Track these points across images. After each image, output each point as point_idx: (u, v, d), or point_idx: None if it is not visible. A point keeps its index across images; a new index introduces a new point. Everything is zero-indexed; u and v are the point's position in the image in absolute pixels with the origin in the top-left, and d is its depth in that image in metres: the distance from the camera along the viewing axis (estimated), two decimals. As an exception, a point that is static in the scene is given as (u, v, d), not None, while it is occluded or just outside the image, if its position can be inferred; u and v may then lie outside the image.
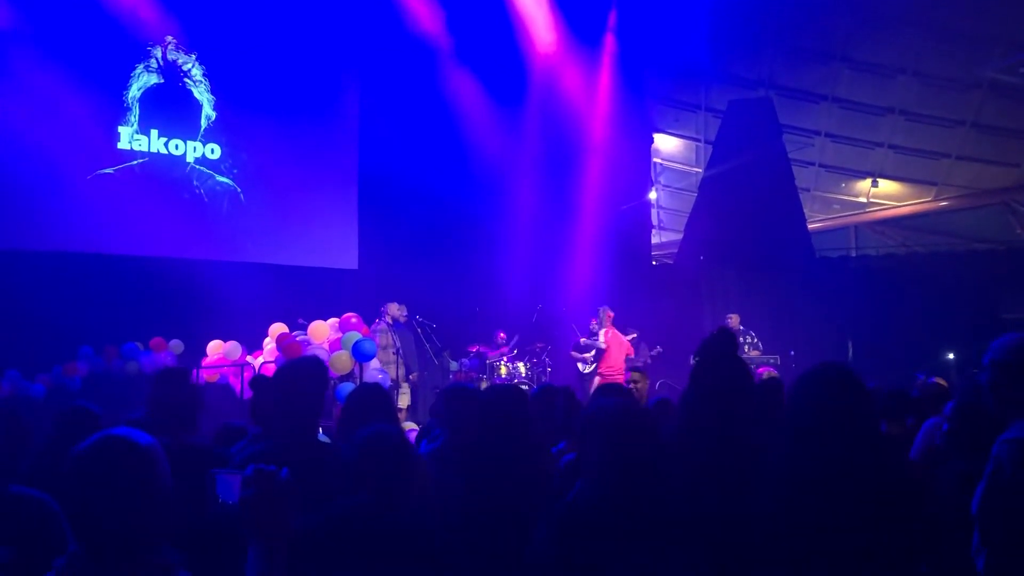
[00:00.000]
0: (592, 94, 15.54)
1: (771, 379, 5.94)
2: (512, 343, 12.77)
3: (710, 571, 2.32)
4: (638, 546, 2.30)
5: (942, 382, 5.77)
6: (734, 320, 12.51)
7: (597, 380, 11.28)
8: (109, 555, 1.79)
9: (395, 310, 10.74)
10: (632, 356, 12.29)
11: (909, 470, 2.77)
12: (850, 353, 12.93)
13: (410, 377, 10.66)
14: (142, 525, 1.82)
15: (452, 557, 2.54)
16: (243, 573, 1.90)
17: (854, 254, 19.23)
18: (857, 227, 21.34)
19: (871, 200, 20.44)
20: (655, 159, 20.11)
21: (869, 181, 19.67)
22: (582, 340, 12.51)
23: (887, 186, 19.86)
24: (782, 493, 2.23)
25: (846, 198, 20.77)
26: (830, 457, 2.17)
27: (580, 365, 12.54)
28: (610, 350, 11.81)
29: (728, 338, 3.16)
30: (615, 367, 11.50)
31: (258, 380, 5.13)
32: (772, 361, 11.95)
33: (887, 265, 15.94)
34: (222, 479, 1.97)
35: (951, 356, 13.14)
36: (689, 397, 3.17)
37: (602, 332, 12.02)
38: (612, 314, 12.05)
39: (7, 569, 1.22)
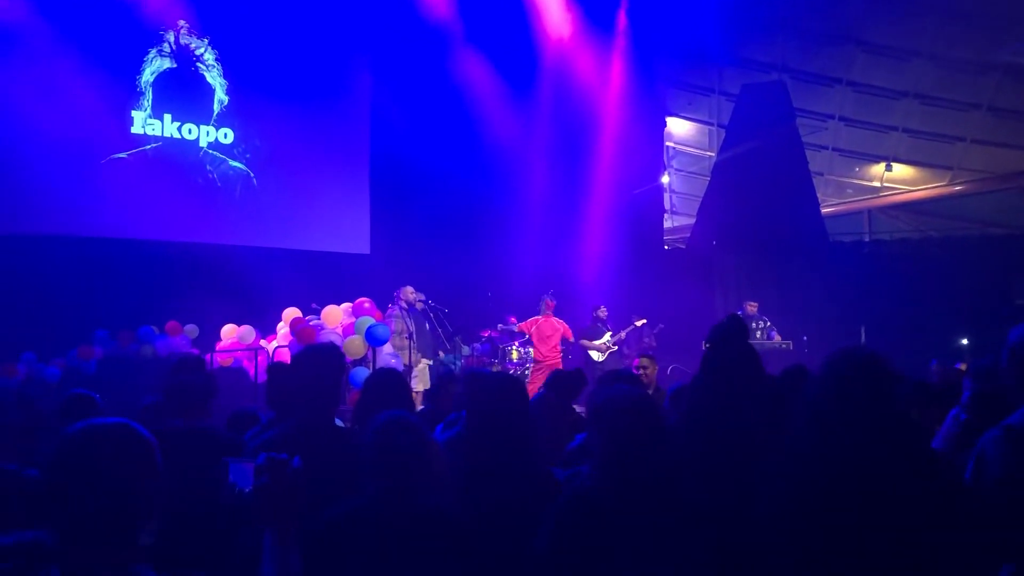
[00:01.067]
0: (605, 78, 15.48)
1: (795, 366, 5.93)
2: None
3: (718, 557, 2.32)
4: (644, 532, 2.31)
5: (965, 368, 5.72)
6: (753, 307, 12.50)
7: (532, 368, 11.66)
8: (81, 541, 1.72)
9: (410, 294, 10.73)
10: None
11: (937, 458, 2.74)
12: (863, 339, 12.88)
13: (422, 361, 10.68)
14: (119, 513, 1.76)
15: (467, 543, 2.56)
16: (253, 559, 1.92)
17: (867, 239, 19.12)
18: (871, 212, 21.21)
19: (885, 184, 20.31)
20: (668, 143, 20.03)
21: (883, 165, 19.55)
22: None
23: (901, 170, 19.73)
24: (802, 479, 2.22)
25: (860, 182, 20.65)
26: (855, 443, 2.15)
27: (593, 353, 12.44)
28: (537, 337, 11.84)
29: (737, 324, 3.16)
30: (546, 355, 11.68)
31: (275, 366, 5.17)
32: (784, 347, 11.93)
33: (901, 250, 15.87)
34: (235, 467, 1.99)
35: (965, 342, 13.09)
36: (698, 382, 3.19)
37: (531, 320, 12.08)
38: (553, 303, 12.03)
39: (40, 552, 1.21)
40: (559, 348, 11.82)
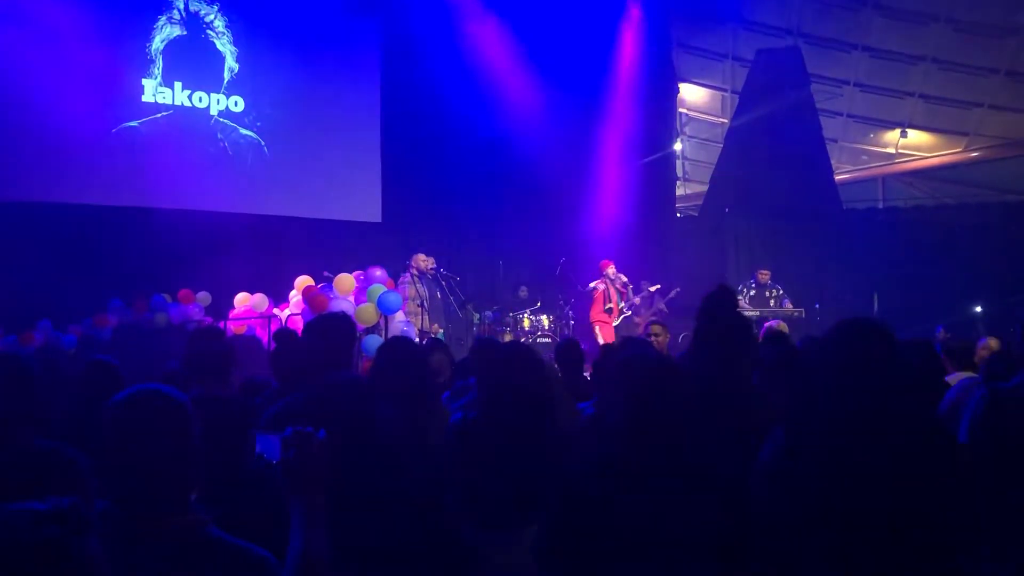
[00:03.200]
0: (618, 43, 15.33)
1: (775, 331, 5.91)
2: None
3: (722, 523, 2.32)
4: (659, 494, 2.31)
5: (993, 344, 5.66)
6: (765, 275, 12.47)
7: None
8: (140, 509, 1.79)
9: (422, 262, 10.76)
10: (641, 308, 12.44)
11: (939, 425, 2.75)
12: (875, 306, 12.85)
13: (432, 330, 10.72)
14: (175, 479, 1.82)
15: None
16: (275, 526, 1.94)
17: (881, 206, 19.02)
18: (885, 178, 21.05)
19: (900, 151, 20.12)
20: (681, 109, 19.88)
21: (898, 131, 19.35)
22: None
23: (916, 136, 19.53)
24: (805, 443, 2.21)
25: (874, 149, 20.47)
26: (857, 412, 2.15)
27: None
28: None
29: (726, 294, 3.18)
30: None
31: (282, 333, 5.19)
32: (796, 314, 11.91)
33: (915, 217, 15.79)
34: (263, 439, 2.01)
35: (979, 310, 13.02)
36: (691, 354, 3.22)
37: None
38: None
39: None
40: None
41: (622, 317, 12.39)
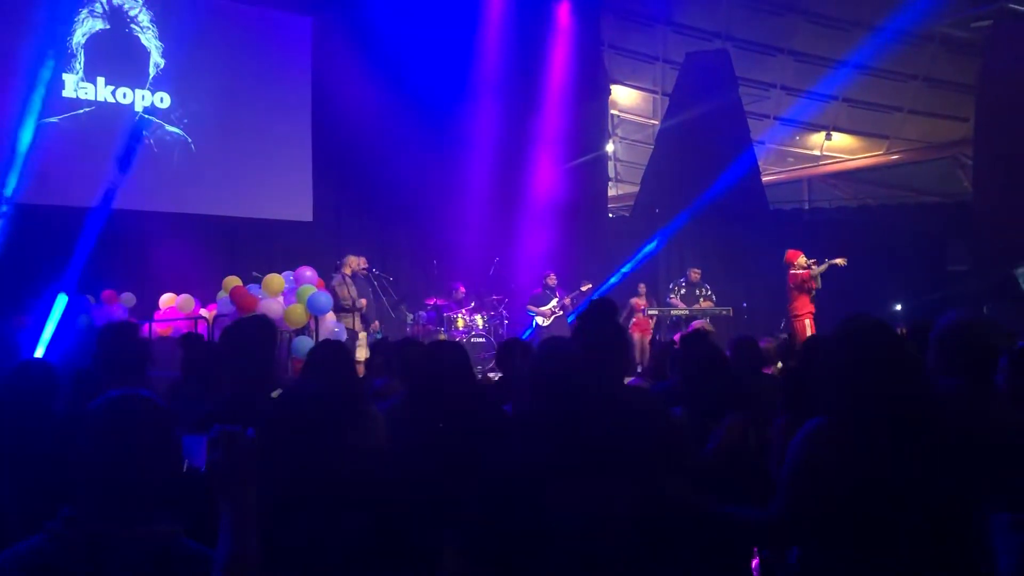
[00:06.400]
0: (550, 45, 15.37)
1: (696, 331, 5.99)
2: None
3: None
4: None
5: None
6: (696, 274, 12.65)
7: None
8: (111, 518, 1.75)
9: (354, 262, 10.62)
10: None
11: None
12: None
13: (370, 328, 10.60)
14: (148, 487, 1.80)
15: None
16: (205, 533, 1.87)
17: (807, 207, 19.42)
18: (810, 180, 21.54)
19: (824, 153, 20.61)
20: (612, 111, 20.04)
21: (823, 134, 19.82)
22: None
23: (840, 139, 20.04)
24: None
25: (800, 151, 20.92)
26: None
27: (538, 318, 12.60)
28: None
29: (606, 305, 3.27)
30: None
31: (189, 338, 5.04)
32: (724, 313, 12.08)
33: (839, 217, 16.15)
34: (187, 442, 1.94)
35: (899, 307, 13.39)
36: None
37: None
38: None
39: None
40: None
41: (554, 317, 12.47)
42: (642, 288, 13.02)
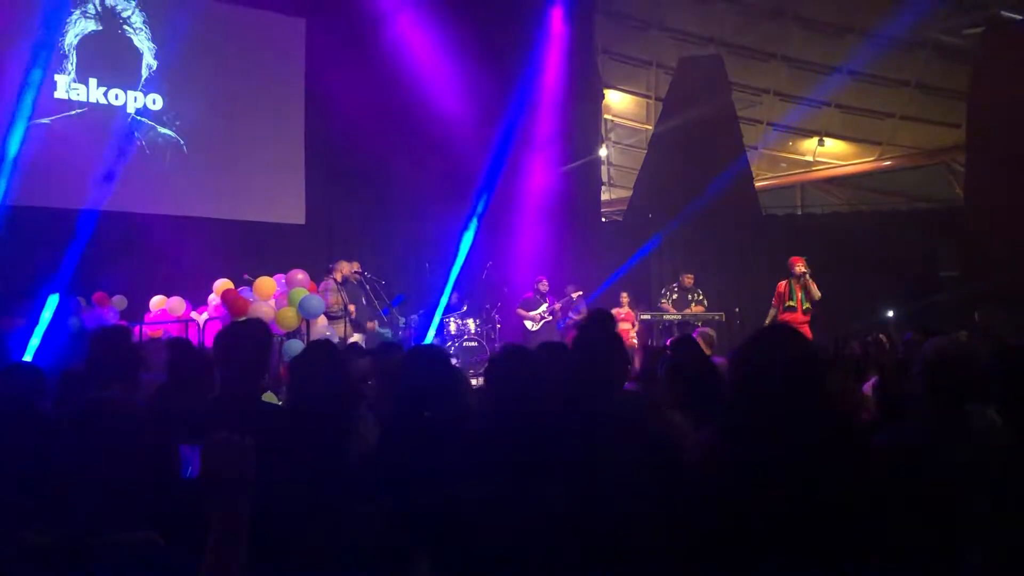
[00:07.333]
0: (543, 48, 15.36)
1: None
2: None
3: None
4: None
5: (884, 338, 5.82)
6: (689, 279, 12.64)
7: None
8: (87, 522, 1.72)
9: (346, 268, 10.58)
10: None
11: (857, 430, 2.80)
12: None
13: (368, 326, 10.59)
14: (126, 493, 1.77)
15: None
16: (195, 546, 1.82)
17: (800, 212, 19.46)
18: (803, 185, 21.57)
19: (817, 159, 20.65)
20: (606, 115, 20.05)
21: (816, 140, 19.86)
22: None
23: (833, 145, 20.08)
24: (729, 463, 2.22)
25: (793, 156, 20.96)
26: (778, 427, 2.15)
27: (527, 323, 12.62)
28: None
29: (604, 318, 3.32)
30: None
31: (176, 342, 5.01)
32: (716, 318, 12.08)
33: (832, 223, 16.15)
34: (182, 451, 1.87)
35: (891, 314, 13.40)
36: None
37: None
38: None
39: None
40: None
41: (543, 323, 12.46)
42: (624, 298, 12.98)
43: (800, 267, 11.21)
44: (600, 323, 3.21)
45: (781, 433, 2.12)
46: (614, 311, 12.36)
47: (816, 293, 11.07)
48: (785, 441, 2.11)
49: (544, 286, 12.69)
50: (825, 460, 2.10)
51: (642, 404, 3.27)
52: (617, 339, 3.31)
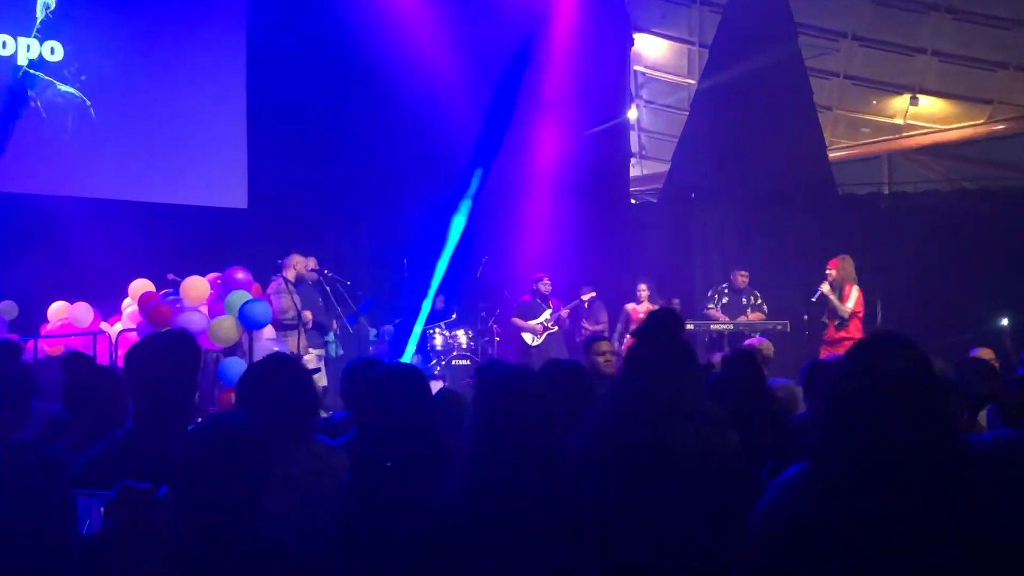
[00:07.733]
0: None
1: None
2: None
3: None
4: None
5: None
6: (743, 278, 12.63)
7: None
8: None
9: (300, 263, 10.61)
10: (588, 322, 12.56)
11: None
12: (879, 317, 13.11)
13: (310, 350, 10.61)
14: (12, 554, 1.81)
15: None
16: None
17: (887, 190, 19.45)
18: (891, 156, 21.56)
19: (909, 122, 20.64)
20: (636, 67, 20.07)
21: (907, 98, 19.85)
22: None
23: (930, 104, 20.06)
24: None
25: (878, 119, 20.96)
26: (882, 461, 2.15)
27: (526, 336, 12.50)
28: None
29: (671, 318, 3.35)
30: None
31: (73, 359, 5.02)
32: (779, 328, 12.06)
33: (928, 204, 16.11)
34: (83, 502, 1.89)
35: (1005, 322, 13.37)
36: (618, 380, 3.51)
37: None
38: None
39: None
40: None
41: (546, 334, 12.41)
42: (643, 291, 12.82)
43: (831, 270, 11.29)
44: (661, 328, 3.25)
45: (904, 483, 2.12)
46: (629, 307, 12.38)
47: (841, 308, 11.18)
48: (909, 491, 2.11)
49: (545, 286, 12.61)
50: (962, 516, 2.12)
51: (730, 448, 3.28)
52: (690, 352, 3.36)
